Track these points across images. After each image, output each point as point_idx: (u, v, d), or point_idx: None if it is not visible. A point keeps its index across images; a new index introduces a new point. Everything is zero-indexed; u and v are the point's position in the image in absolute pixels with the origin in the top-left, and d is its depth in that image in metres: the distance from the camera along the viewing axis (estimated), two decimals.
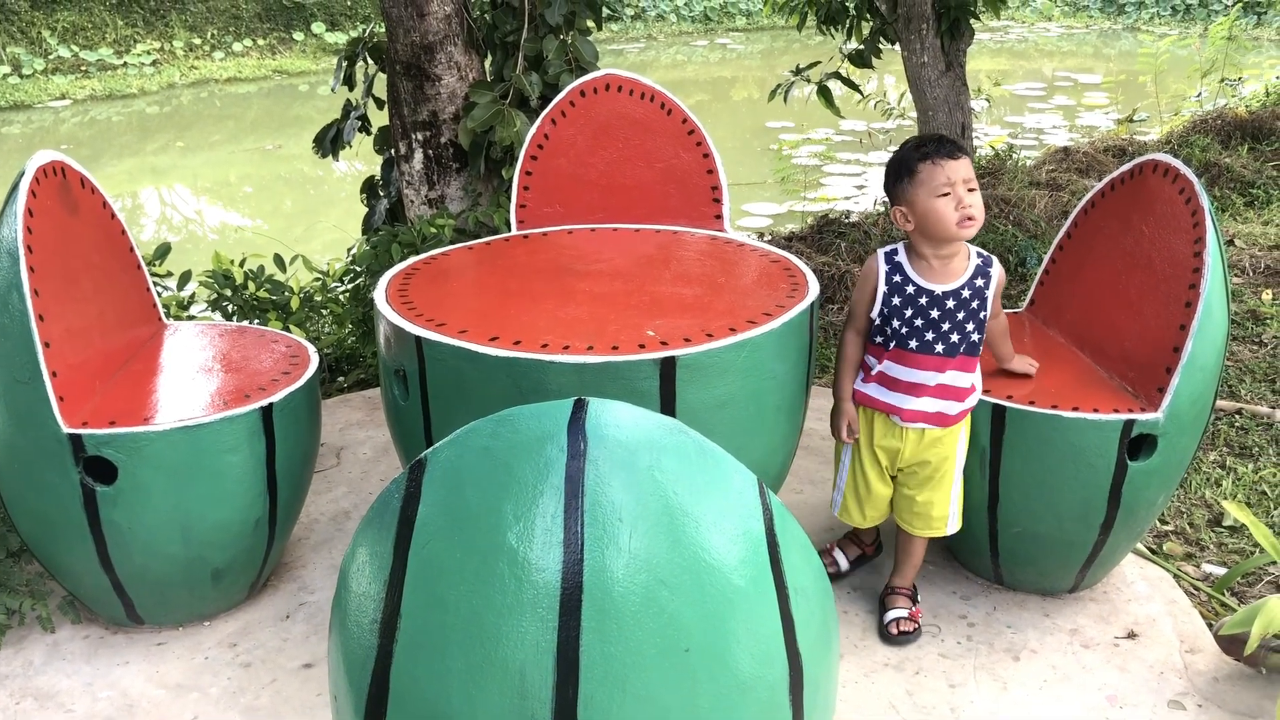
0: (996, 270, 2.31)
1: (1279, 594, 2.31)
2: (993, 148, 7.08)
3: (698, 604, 1.29)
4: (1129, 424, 2.25)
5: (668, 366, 2.04)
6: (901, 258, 2.30)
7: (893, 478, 2.43)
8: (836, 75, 6.43)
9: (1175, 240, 2.33)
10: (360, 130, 5.18)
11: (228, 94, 14.26)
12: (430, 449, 1.35)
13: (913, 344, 2.29)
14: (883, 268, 2.31)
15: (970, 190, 2.19)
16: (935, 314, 2.27)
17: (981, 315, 2.29)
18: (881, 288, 2.31)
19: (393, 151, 4.67)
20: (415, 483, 1.34)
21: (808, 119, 11.05)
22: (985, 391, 2.38)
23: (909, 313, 2.29)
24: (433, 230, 4.00)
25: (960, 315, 2.27)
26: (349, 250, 4.36)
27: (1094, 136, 8.17)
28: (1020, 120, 11.16)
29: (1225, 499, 3.14)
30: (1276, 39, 14.69)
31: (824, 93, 6.44)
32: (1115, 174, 2.57)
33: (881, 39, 6.55)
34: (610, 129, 3.38)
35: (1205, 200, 2.27)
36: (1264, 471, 3.29)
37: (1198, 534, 3.02)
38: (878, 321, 2.34)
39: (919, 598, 2.51)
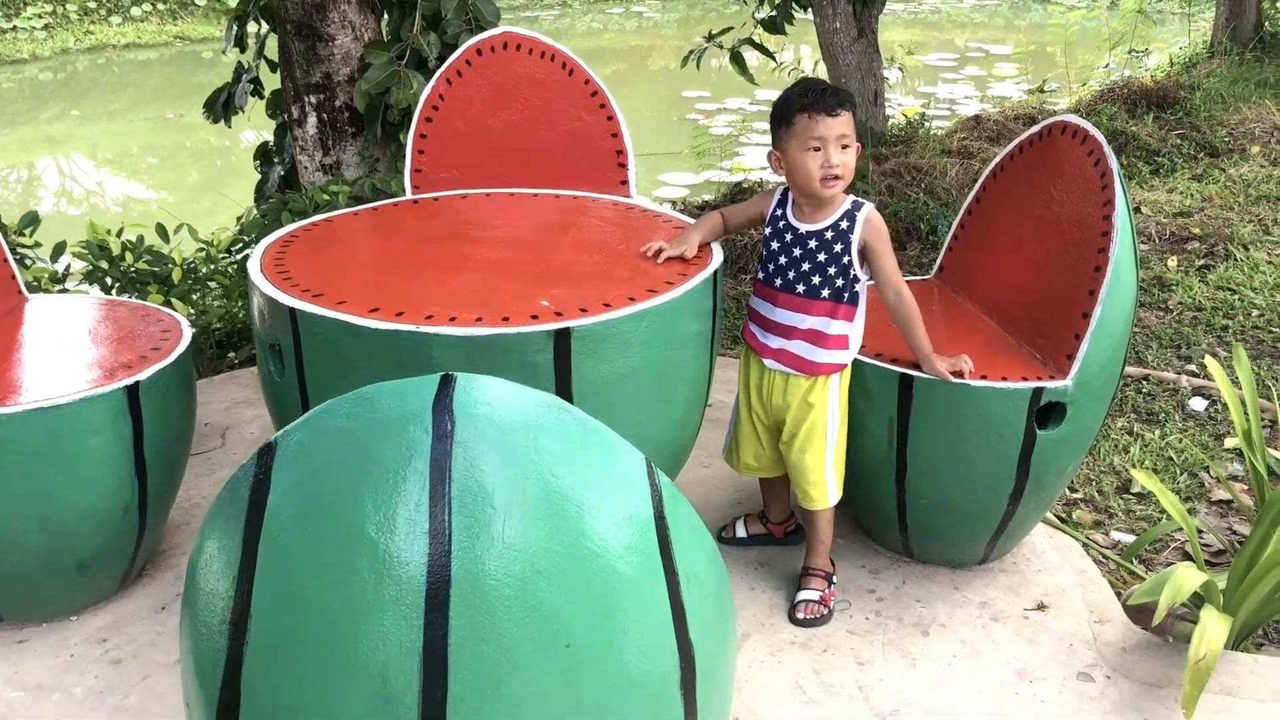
0: (864, 213, 2.20)
1: (1186, 561, 2.29)
2: (905, 116, 7.07)
3: (579, 596, 1.19)
4: (1038, 392, 2.20)
5: (562, 339, 1.92)
6: (789, 196, 2.31)
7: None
8: (749, 41, 6.34)
9: (1084, 204, 2.27)
10: (253, 94, 4.95)
11: (126, 60, 13.70)
12: (280, 430, 1.22)
13: (777, 281, 2.28)
14: (774, 201, 2.33)
15: (844, 148, 2.17)
16: (797, 252, 2.24)
17: (845, 260, 2.20)
18: (767, 226, 2.33)
19: (286, 116, 4.46)
20: (265, 468, 1.21)
21: (724, 88, 10.96)
22: (892, 360, 2.30)
23: (775, 246, 2.28)
24: (325, 197, 3.82)
25: (821, 256, 2.22)
26: (239, 219, 4.15)
27: (1005, 106, 8.21)
28: (933, 90, 11.20)
29: (1133, 466, 3.13)
30: (1178, 12, 15.00)
31: (737, 59, 6.34)
32: (1024, 136, 2.52)
33: (794, 5, 6.47)
34: (509, 90, 3.24)
35: (1114, 163, 2.21)
36: (1170, 438, 3.29)
37: (1106, 501, 3.00)
38: (763, 256, 2.34)
39: (835, 579, 2.43)
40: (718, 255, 2.32)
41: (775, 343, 2.29)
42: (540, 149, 3.28)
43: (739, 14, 6.44)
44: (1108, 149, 2.24)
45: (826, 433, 2.28)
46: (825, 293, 2.22)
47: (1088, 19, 10.81)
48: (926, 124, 6.82)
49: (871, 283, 2.27)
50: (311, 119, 4.30)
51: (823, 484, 2.31)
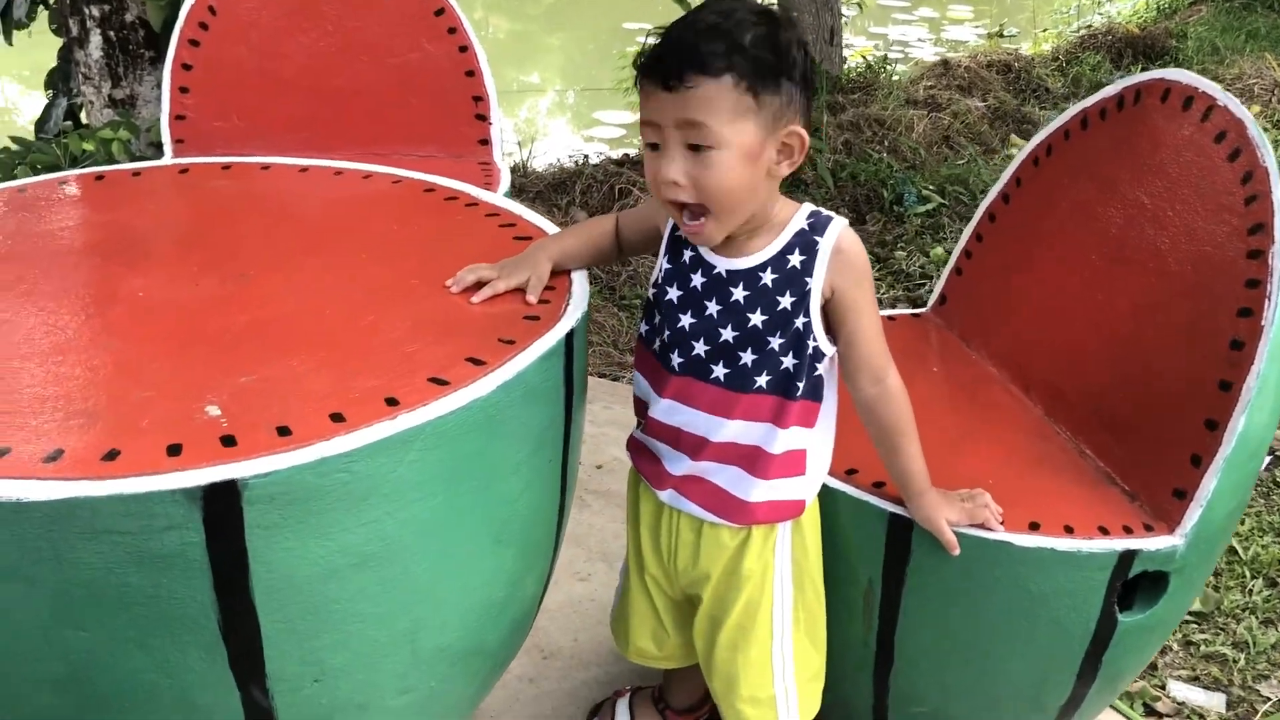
0: (831, 237, 1.20)
1: None
2: (863, 57, 6.09)
3: None
4: (1127, 556, 1.27)
5: (221, 503, 0.94)
6: None
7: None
8: None
9: (1208, 225, 1.33)
10: (40, 3, 3.85)
11: None
12: None
13: (675, 358, 1.26)
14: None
15: (694, 149, 1.13)
16: (712, 308, 1.23)
17: (799, 322, 1.20)
18: (663, 254, 1.30)
19: (65, 34, 3.40)
20: None
21: (667, 19, 9.90)
22: (874, 486, 1.35)
23: (675, 295, 1.26)
24: (87, 148, 2.76)
25: (755, 317, 1.21)
26: None
27: (976, 50, 7.27)
28: (885, 31, 10.26)
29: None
30: None
31: None
32: (1090, 102, 1.56)
33: None
34: (314, 3, 2.22)
35: (1270, 158, 1.27)
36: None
37: None
38: (649, 304, 1.32)
39: None
40: (578, 297, 1.33)
41: (678, 466, 1.29)
42: (361, 90, 2.27)
43: None
44: (1255, 130, 1.29)
45: (774, 621, 1.31)
46: (762, 380, 1.22)
47: None
48: (888, 68, 5.86)
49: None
50: (95, 38, 3.23)
51: (768, 703, 1.34)
